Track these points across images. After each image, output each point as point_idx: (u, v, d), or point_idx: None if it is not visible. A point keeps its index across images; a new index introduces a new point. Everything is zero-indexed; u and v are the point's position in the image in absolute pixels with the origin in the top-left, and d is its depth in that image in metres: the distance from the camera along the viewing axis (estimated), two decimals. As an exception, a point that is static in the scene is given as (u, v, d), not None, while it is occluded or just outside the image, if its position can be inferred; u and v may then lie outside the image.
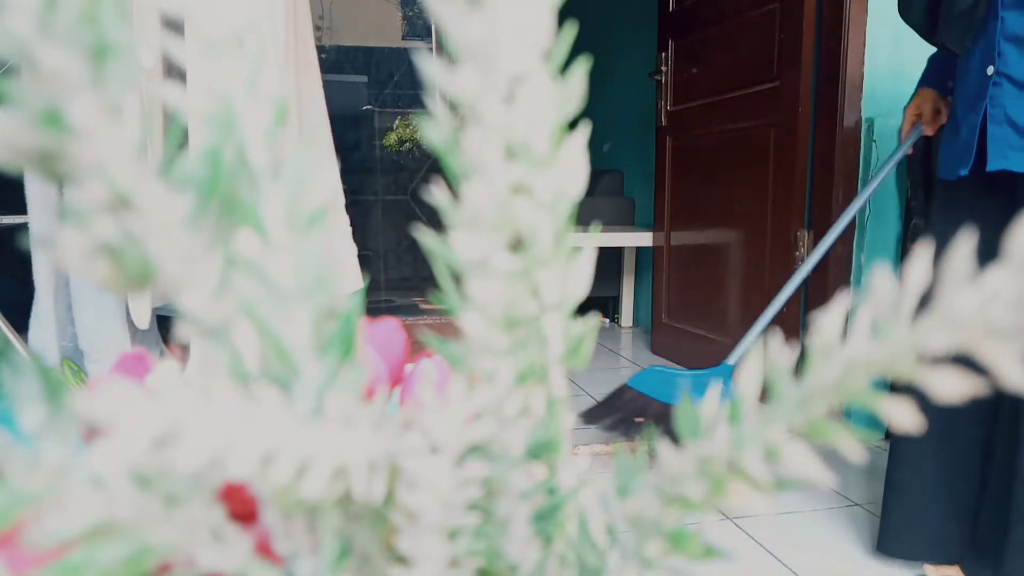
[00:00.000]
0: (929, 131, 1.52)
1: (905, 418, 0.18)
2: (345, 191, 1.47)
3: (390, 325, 0.38)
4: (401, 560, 0.22)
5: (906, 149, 1.56)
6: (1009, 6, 1.24)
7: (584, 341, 0.23)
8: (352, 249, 1.44)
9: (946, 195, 1.43)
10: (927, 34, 1.43)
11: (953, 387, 0.17)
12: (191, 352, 1.00)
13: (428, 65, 0.20)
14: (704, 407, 0.22)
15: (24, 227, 1.38)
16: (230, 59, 0.20)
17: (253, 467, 0.18)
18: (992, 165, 1.26)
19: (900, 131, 1.62)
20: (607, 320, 4.09)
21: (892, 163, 1.61)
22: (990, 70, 1.26)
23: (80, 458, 0.17)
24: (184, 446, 0.17)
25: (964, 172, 1.32)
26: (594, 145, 4.19)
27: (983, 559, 1.37)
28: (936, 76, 1.52)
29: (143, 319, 1.25)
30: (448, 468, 0.21)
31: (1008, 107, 1.24)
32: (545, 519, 0.23)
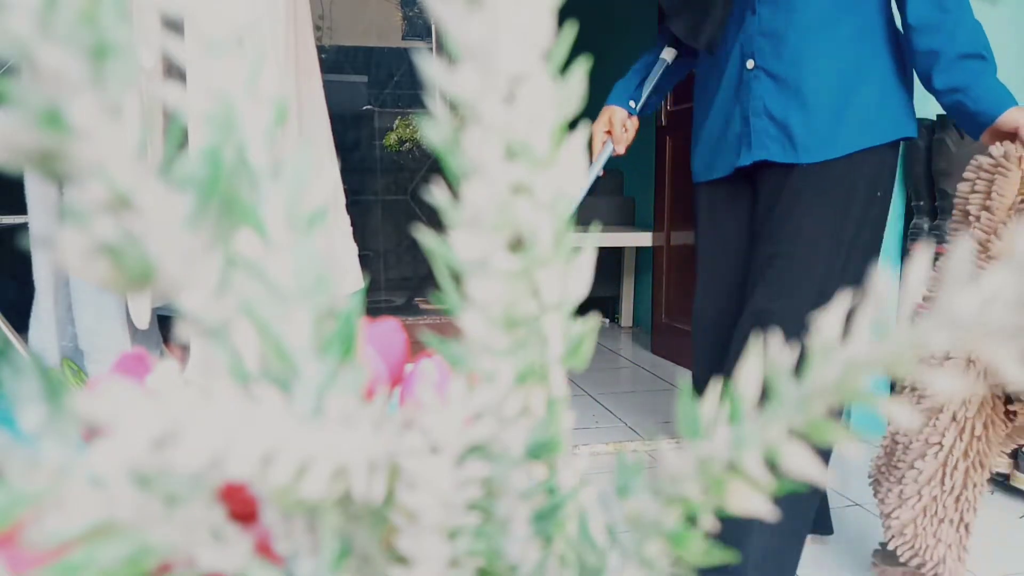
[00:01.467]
0: (620, 149, 1.54)
1: (906, 417, 0.18)
2: (345, 191, 1.47)
3: (390, 325, 0.38)
4: (401, 560, 0.22)
5: (599, 168, 1.55)
6: (764, 2, 1.26)
7: (584, 341, 0.23)
8: (352, 249, 1.44)
9: (707, 195, 1.46)
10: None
11: (952, 386, 0.17)
12: (191, 352, 1.00)
13: (428, 65, 0.20)
14: (704, 407, 0.22)
15: (24, 227, 1.38)
16: (230, 59, 0.20)
17: (253, 467, 0.18)
18: (755, 156, 1.29)
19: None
20: (607, 320, 4.09)
21: (591, 178, 1.58)
22: (750, 64, 1.29)
23: (80, 458, 0.17)
24: (184, 446, 0.17)
25: (746, 162, 1.31)
26: (594, 145, 4.18)
27: None
28: (619, 95, 1.56)
29: (143, 319, 1.25)
30: (448, 468, 0.21)
31: (766, 99, 1.27)
32: (545, 519, 0.23)
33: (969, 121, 1.17)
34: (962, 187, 1.18)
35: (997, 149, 1.12)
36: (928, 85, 1.19)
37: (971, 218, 1.16)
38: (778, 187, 1.29)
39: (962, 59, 1.14)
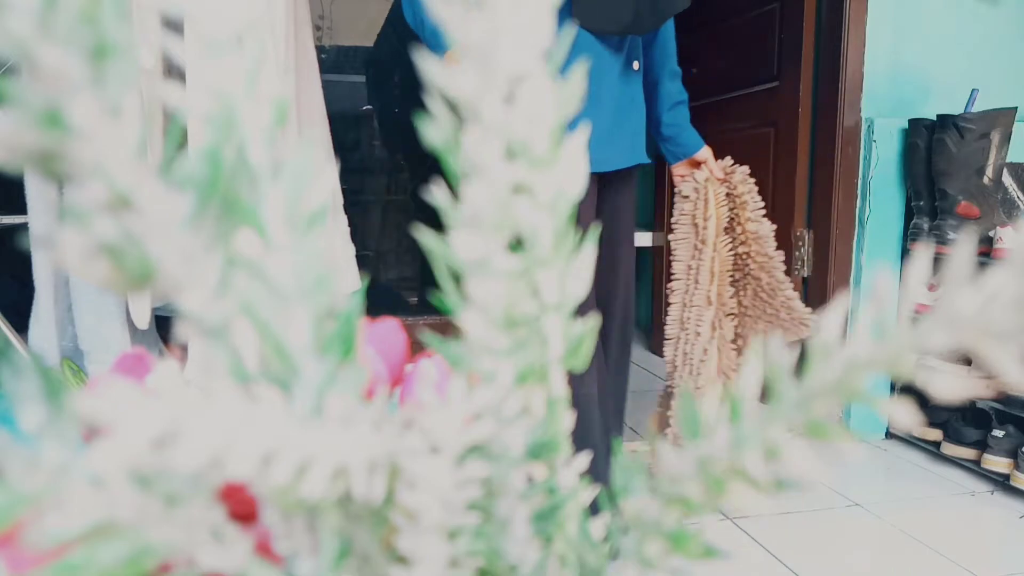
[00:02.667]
0: None
1: (906, 417, 0.18)
2: (345, 191, 1.47)
3: (390, 325, 0.38)
4: (401, 560, 0.22)
5: None
6: None
7: (584, 341, 0.23)
8: (351, 249, 1.44)
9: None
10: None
11: (952, 387, 0.17)
12: (191, 352, 1.00)
13: (428, 65, 0.20)
14: (703, 407, 0.22)
15: (24, 227, 1.38)
16: (230, 59, 0.20)
17: (253, 467, 0.18)
18: (650, 152, 1.46)
19: (903, 132, 1.70)
20: (607, 320, 4.08)
21: None
22: (636, 65, 1.41)
23: (80, 458, 0.17)
24: (184, 446, 0.17)
25: (646, 160, 1.48)
26: (594, 145, 4.17)
27: None
28: None
29: (143, 319, 1.25)
30: (448, 468, 0.21)
31: (643, 100, 1.45)
32: (545, 519, 0.23)
33: (675, 149, 1.54)
34: (686, 206, 1.56)
35: (701, 174, 1.53)
36: (658, 117, 1.52)
37: (696, 227, 1.54)
38: (622, 186, 1.48)
39: (682, 104, 1.53)
